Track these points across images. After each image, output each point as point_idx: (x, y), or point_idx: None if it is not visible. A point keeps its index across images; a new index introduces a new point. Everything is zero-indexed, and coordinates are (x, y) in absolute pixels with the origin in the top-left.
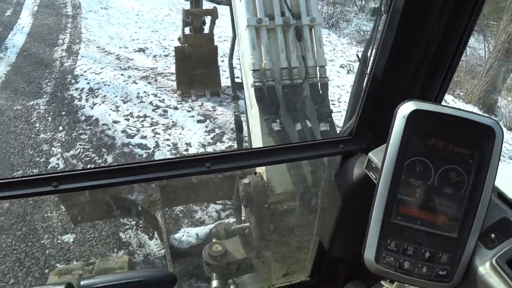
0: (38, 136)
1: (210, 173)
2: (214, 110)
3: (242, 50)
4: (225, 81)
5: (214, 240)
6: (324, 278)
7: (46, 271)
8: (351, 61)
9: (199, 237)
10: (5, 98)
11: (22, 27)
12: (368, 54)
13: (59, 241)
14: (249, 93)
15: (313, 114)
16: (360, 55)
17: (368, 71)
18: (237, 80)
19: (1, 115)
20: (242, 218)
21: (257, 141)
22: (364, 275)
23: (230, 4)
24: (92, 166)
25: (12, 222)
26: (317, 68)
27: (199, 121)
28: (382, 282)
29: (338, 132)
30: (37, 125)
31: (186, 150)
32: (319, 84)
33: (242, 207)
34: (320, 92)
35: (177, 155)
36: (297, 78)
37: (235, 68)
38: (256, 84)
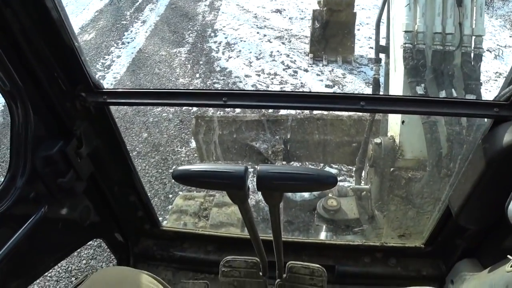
0: (178, 80)
1: (363, 111)
2: (344, 77)
3: (395, 10)
4: (358, 50)
5: (330, 195)
6: (439, 249)
7: (170, 196)
8: (501, 46)
9: (312, 193)
10: (153, 44)
11: None
12: None
13: None
14: (396, 55)
15: (460, 84)
16: None
17: None
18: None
19: (148, 58)
20: (361, 181)
21: None
22: (480, 255)
23: None
24: (259, 88)
25: (148, 150)
26: (473, 37)
27: (327, 86)
28: (509, 256)
29: None
30: (177, 70)
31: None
32: (472, 54)
33: (363, 170)
34: (472, 63)
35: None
36: (449, 45)
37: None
38: (406, 45)
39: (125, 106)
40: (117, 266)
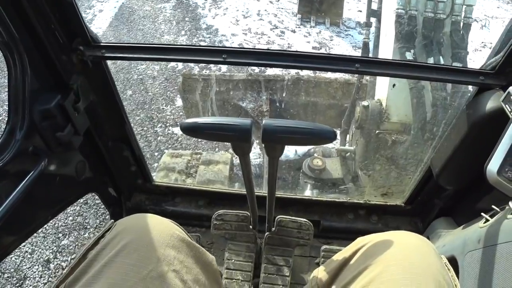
0: (162, 37)
1: (358, 73)
2: (331, 40)
3: None
4: (346, 12)
5: (316, 155)
6: (418, 208)
7: (156, 153)
8: (488, 17)
9: (297, 153)
10: None
11: None
12: None
13: (169, 131)
14: (387, 20)
15: (448, 51)
16: None
17: None
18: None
19: (132, 14)
20: (346, 142)
21: None
22: (456, 214)
23: None
24: (256, 47)
25: (132, 108)
26: (464, 6)
27: (313, 48)
28: (482, 214)
29: None
30: (162, 26)
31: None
32: (461, 23)
33: (349, 132)
34: (461, 32)
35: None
36: (441, 13)
37: None
38: (399, 11)
39: (116, 61)
40: (142, 214)
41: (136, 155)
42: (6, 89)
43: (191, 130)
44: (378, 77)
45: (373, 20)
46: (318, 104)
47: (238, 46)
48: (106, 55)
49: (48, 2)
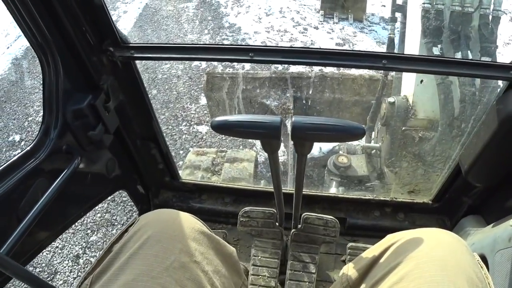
0: (186, 36)
1: (385, 70)
2: (355, 36)
3: None
4: (370, 8)
5: (341, 152)
6: (446, 206)
7: (181, 152)
8: None
9: (321, 150)
10: None
11: None
12: None
13: (194, 129)
14: (413, 15)
15: (476, 46)
16: None
17: None
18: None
19: (156, 14)
20: (371, 139)
21: None
22: (485, 212)
23: None
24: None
25: (157, 107)
26: None
27: (337, 44)
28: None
29: None
30: (185, 26)
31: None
32: (490, 16)
33: (374, 128)
34: (490, 25)
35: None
36: (468, 6)
37: None
38: (425, 5)
39: (146, 61)
40: (163, 209)
41: (163, 153)
42: (35, 91)
43: (221, 128)
44: (404, 73)
45: (398, 15)
46: (342, 101)
47: (264, 45)
48: (135, 55)
49: (79, 5)
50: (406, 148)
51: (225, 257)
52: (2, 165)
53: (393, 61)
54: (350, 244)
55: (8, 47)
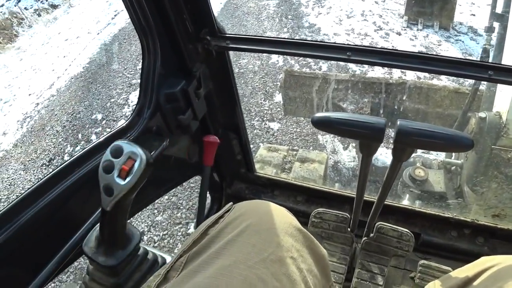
0: (265, 33)
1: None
2: (439, 45)
3: None
4: (458, 16)
5: (418, 165)
6: None
7: (251, 146)
8: None
9: None
10: None
11: None
12: None
13: (266, 125)
14: None
15: None
16: None
17: None
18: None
19: (237, 9)
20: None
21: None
22: None
23: None
24: (382, 46)
25: None
26: None
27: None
28: None
29: None
30: (265, 23)
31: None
32: None
33: None
34: None
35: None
36: None
37: None
38: None
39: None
40: (260, 200)
41: (243, 145)
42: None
43: (322, 124)
44: (498, 88)
45: (496, 25)
46: (422, 112)
47: (363, 45)
48: (231, 46)
49: None
50: (499, 169)
51: (318, 258)
52: (99, 140)
53: (500, 72)
54: (422, 261)
55: (98, 33)
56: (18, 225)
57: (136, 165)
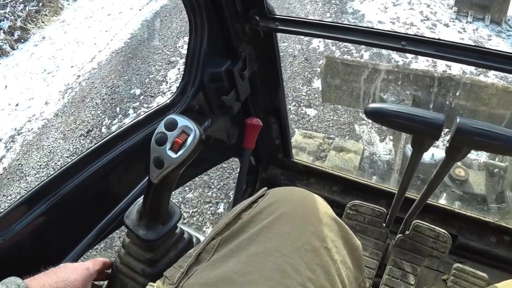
0: (307, 18)
1: None
2: (489, 40)
3: None
4: None
5: (459, 164)
6: None
7: None
8: None
9: (434, 157)
10: None
11: None
12: None
13: (302, 111)
14: None
15: None
16: None
17: None
18: None
19: None
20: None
21: None
22: None
23: None
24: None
25: None
26: None
27: None
28: None
29: None
30: (308, 7)
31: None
32: None
33: None
34: None
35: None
36: None
37: None
38: None
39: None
40: (295, 187)
41: (282, 129)
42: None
43: (376, 115)
44: None
45: None
46: (467, 109)
47: (418, 35)
48: (280, 27)
49: None
50: None
51: (352, 249)
52: (143, 115)
53: None
54: (456, 265)
55: (140, 9)
56: (63, 193)
57: (190, 139)
